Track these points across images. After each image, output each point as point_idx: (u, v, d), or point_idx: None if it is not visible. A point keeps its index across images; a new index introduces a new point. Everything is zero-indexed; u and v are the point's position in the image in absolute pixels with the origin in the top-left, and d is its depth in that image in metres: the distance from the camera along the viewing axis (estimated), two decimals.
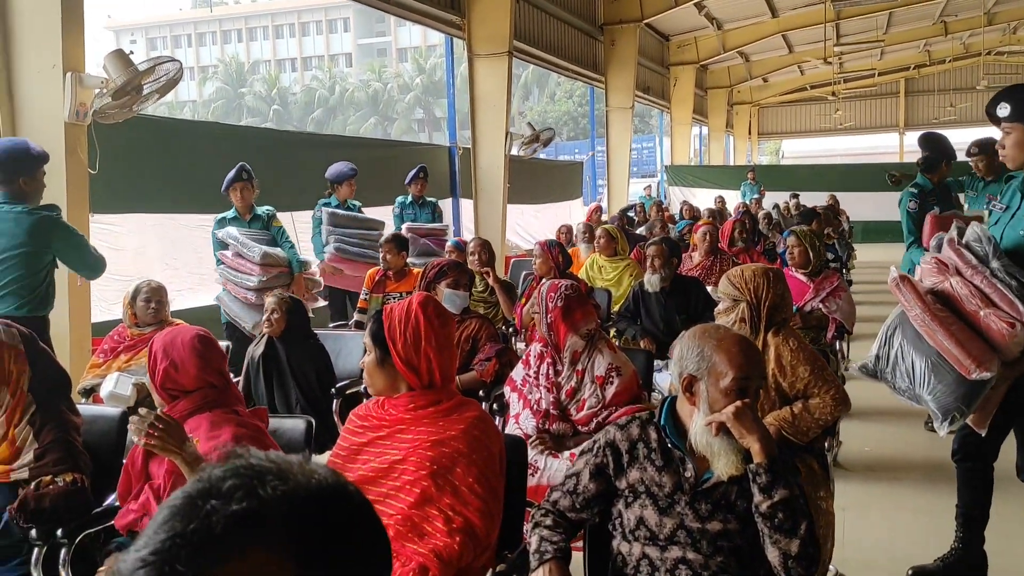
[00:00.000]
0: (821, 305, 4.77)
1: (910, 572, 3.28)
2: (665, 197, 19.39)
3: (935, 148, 5.88)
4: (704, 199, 16.57)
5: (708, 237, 6.28)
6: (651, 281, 5.10)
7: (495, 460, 2.21)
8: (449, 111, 11.32)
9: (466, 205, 10.57)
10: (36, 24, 4.62)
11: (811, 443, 3.04)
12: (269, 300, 4.09)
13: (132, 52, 4.87)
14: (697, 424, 1.96)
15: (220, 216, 5.46)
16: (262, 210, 5.49)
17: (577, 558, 2.19)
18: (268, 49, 65.70)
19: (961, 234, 2.99)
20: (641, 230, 10.23)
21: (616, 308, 5.70)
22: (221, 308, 5.37)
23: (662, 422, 2.04)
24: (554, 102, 54.09)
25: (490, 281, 5.66)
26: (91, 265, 4.19)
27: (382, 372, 2.24)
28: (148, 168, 6.06)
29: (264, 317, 4.06)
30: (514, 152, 10.81)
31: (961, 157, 6.10)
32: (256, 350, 4.00)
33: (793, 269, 4.92)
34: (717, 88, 23.89)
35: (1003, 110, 2.95)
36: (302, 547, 0.68)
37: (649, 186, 20.07)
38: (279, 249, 5.34)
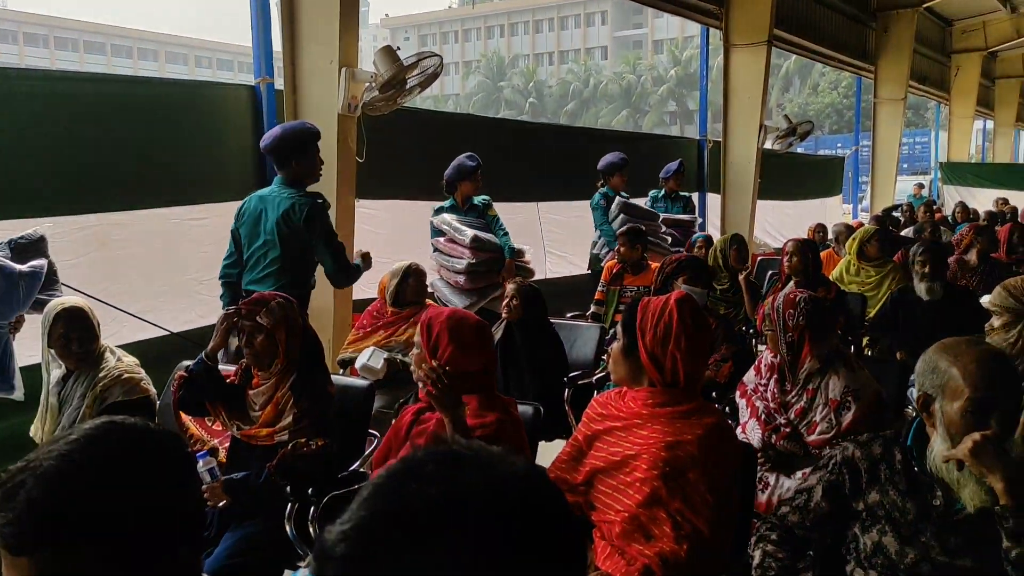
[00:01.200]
0: None
1: None
2: (938, 197, 17.72)
3: None
4: (985, 200, 14.94)
5: (980, 242, 5.65)
6: (921, 289, 4.64)
7: (730, 470, 2.12)
8: (701, 103, 11.04)
9: (713, 200, 10.29)
10: (318, 24, 5.06)
11: None
12: (509, 287, 4.21)
13: (399, 48, 5.18)
14: (934, 450, 1.76)
15: (439, 206, 5.49)
16: (479, 199, 5.46)
17: None
18: (527, 43, 67.94)
19: None
20: (908, 232, 9.43)
21: (871, 315, 5.29)
22: (435, 295, 5.35)
23: (908, 442, 1.85)
24: (816, 93, 51.31)
25: (741, 279, 5.48)
26: (338, 269, 4.11)
27: (626, 361, 2.23)
28: (407, 157, 6.46)
29: (504, 303, 4.19)
30: (768, 146, 10.36)
31: None
32: (495, 335, 4.13)
33: None
34: (1008, 78, 21.40)
35: None
36: (496, 535, 0.68)
37: (921, 184, 18.45)
38: (492, 235, 5.30)
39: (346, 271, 4.19)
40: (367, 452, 2.99)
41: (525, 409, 2.81)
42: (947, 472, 1.74)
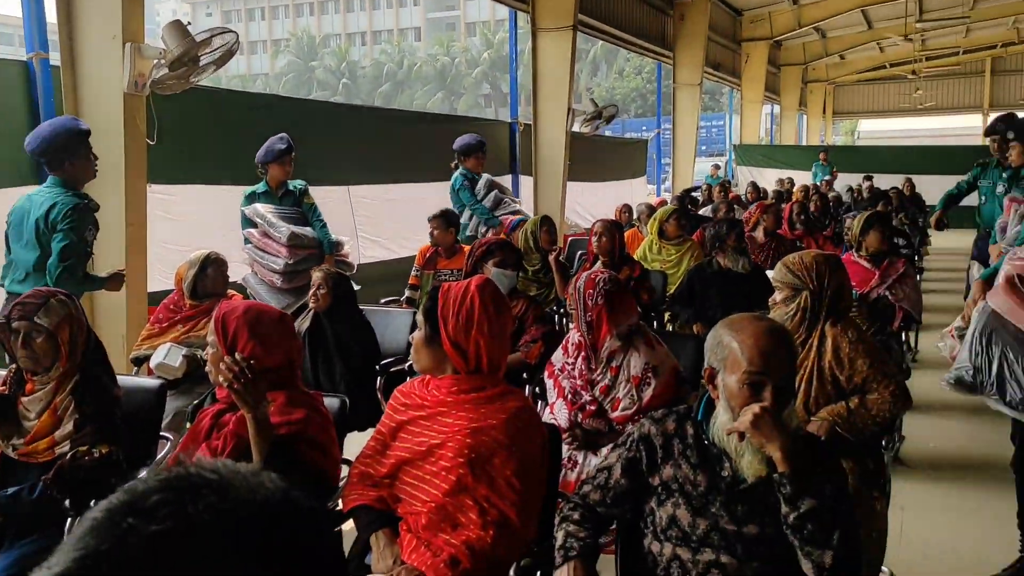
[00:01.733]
0: (888, 293, 4.55)
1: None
2: (733, 177, 18.93)
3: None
4: (773, 180, 16.12)
5: (766, 220, 6.08)
6: (739, 264, 4.93)
7: (536, 453, 2.13)
8: (512, 86, 11.17)
9: (526, 182, 10.46)
10: None
11: (867, 440, 2.89)
12: (316, 275, 4.07)
13: (190, 23, 4.85)
14: (717, 421, 1.85)
15: (249, 190, 5.19)
16: (294, 184, 5.20)
17: (609, 556, 2.11)
18: (339, 23, 66.28)
19: None
20: (706, 210, 9.98)
21: (672, 291, 5.55)
22: (248, 292, 5.10)
23: (699, 417, 1.93)
24: (622, 78, 53.40)
25: (551, 260, 5.55)
26: (59, 263, 3.70)
27: (429, 350, 2.20)
28: (210, 139, 6.11)
29: (311, 292, 4.05)
30: (576, 129, 10.63)
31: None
32: (302, 325, 3.98)
33: (855, 254, 4.70)
34: (791, 65, 23.17)
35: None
36: (237, 570, 0.60)
37: (717, 165, 19.60)
38: (309, 229, 5.07)
39: (70, 272, 3.72)
40: (158, 457, 2.79)
41: (332, 402, 2.71)
42: (729, 443, 1.82)
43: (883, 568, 3.08)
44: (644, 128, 31.41)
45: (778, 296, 2.99)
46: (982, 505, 3.86)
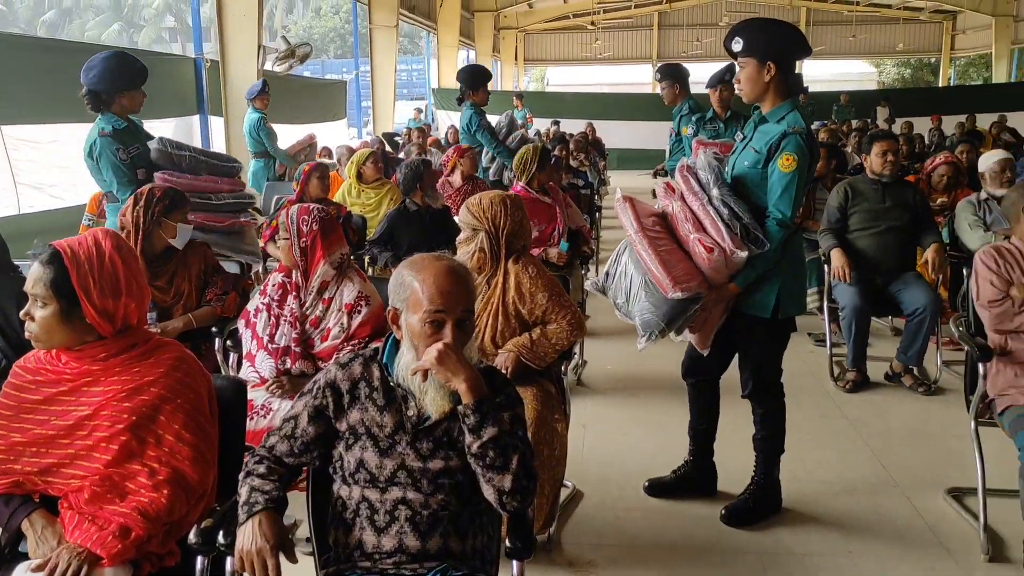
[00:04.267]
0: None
1: (646, 484, 3.47)
2: (434, 121, 19.20)
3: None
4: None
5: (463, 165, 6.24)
6: (434, 198, 5.10)
7: (203, 402, 2.01)
8: (194, 20, 10.36)
9: (216, 123, 9.82)
10: None
11: (548, 367, 3.10)
12: None
13: None
14: (402, 361, 1.88)
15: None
16: None
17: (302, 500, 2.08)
18: None
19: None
20: (403, 153, 10.03)
21: (371, 235, 5.54)
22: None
23: (384, 359, 1.94)
24: (320, 17, 51.72)
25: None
26: None
27: (67, 326, 1.92)
28: None
29: None
30: (269, 68, 10.14)
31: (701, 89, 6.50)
32: None
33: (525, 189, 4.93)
34: (483, 12, 23.82)
35: (736, 44, 3.01)
36: None
37: (419, 109, 19.77)
38: None
39: None
40: None
41: None
42: (413, 382, 1.86)
43: (566, 482, 3.36)
44: (344, 70, 30.76)
45: (462, 236, 3.12)
46: (656, 418, 4.31)
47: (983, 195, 5.00)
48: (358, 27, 17.27)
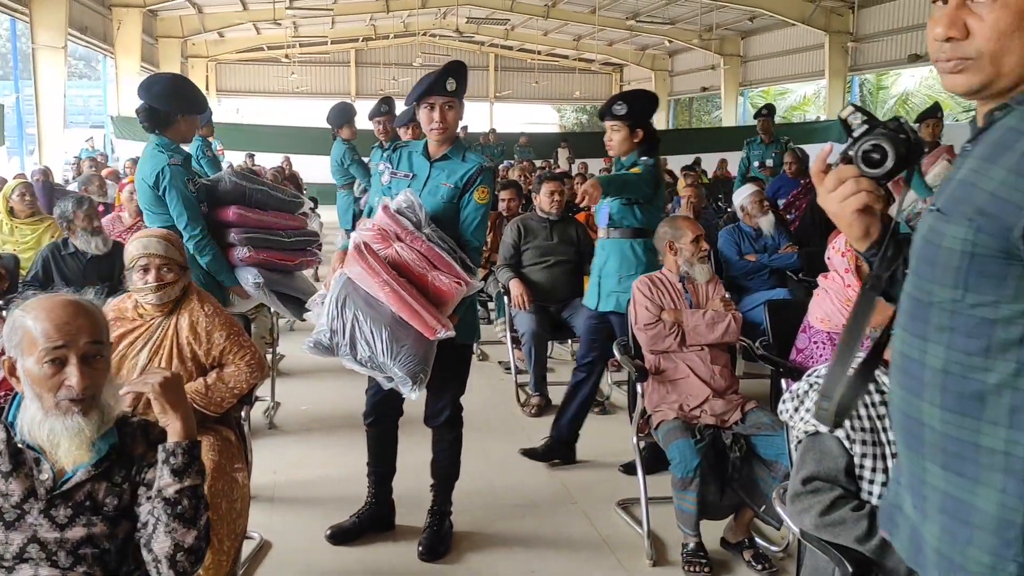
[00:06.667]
0: None
1: (328, 533, 3.36)
2: (112, 150, 17.68)
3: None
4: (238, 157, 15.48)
5: (134, 196, 5.78)
6: (86, 243, 4.57)
7: None
8: None
9: None
10: None
11: (227, 412, 2.92)
12: None
13: None
14: (26, 416, 1.66)
15: None
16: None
17: None
18: None
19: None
20: (73, 185, 9.12)
21: (26, 275, 4.93)
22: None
23: (10, 418, 1.70)
24: None
25: None
26: None
27: None
28: None
29: None
30: None
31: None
32: None
33: None
34: (169, 38, 22.43)
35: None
36: None
37: (91, 138, 18.07)
38: None
39: None
40: None
41: None
42: (41, 436, 1.64)
43: (252, 533, 3.18)
44: (6, 92, 27.51)
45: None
46: (349, 459, 4.21)
47: None
48: (17, 46, 15.49)
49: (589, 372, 4.14)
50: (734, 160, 11.70)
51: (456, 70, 3.13)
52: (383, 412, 3.35)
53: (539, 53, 28.56)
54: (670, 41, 23.71)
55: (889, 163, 1.27)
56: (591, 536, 3.45)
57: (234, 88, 30.07)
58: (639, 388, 3.39)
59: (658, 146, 3.92)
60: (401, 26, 25.02)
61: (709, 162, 15.18)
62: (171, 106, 3.84)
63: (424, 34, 26.22)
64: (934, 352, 1.16)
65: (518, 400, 5.13)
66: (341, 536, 3.34)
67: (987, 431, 1.11)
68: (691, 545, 3.10)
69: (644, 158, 3.84)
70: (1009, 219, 1.05)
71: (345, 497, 3.60)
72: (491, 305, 6.77)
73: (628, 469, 3.99)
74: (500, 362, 5.93)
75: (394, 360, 2.86)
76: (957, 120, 22.12)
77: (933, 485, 1.19)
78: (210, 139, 7.65)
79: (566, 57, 28.89)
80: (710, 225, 6.50)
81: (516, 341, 5.25)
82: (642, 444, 3.41)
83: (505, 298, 5.13)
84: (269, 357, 4.72)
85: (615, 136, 3.84)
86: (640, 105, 3.87)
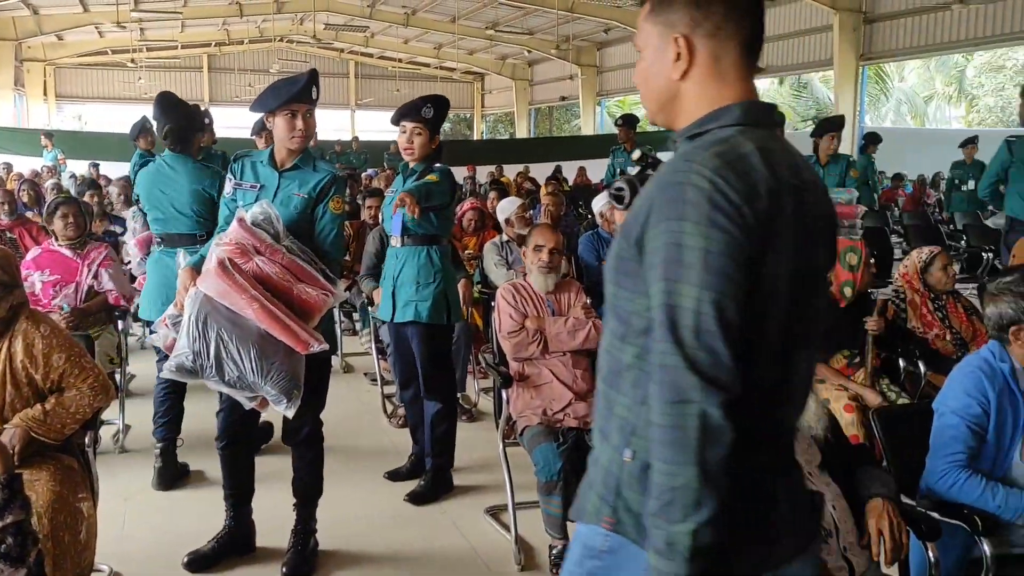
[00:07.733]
0: (93, 281, 4.35)
1: (186, 559, 3.21)
2: None
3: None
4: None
5: None
6: None
7: None
8: None
9: None
10: None
11: (69, 439, 2.75)
12: None
13: None
14: None
15: None
16: None
17: None
18: None
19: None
20: None
21: None
22: None
23: None
24: None
25: None
26: None
27: None
28: None
29: None
30: None
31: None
32: None
33: (52, 242, 4.42)
34: (2, 40, 20.99)
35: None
36: None
37: None
38: None
39: None
40: None
41: None
42: None
43: (101, 566, 3.00)
44: None
45: None
46: (203, 481, 4.04)
47: (505, 237, 5.60)
48: None
49: (444, 402, 3.96)
50: (593, 168, 12.02)
51: (316, 78, 3.12)
52: (235, 435, 3.24)
53: (400, 61, 28.42)
54: (529, 51, 24.16)
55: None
56: (460, 545, 3.44)
57: (76, 94, 28.43)
58: (504, 395, 3.42)
59: (442, 154, 3.89)
60: (256, 31, 24.36)
61: (570, 170, 15.51)
62: (192, 124, 4.17)
63: (281, 40, 25.62)
64: (605, 335, 1.43)
65: (384, 411, 5.07)
66: (200, 562, 3.19)
67: (619, 400, 1.34)
68: (559, 548, 3.14)
69: (438, 164, 3.82)
70: (635, 230, 1.29)
71: (202, 521, 3.44)
72: (356, 316, 6.67)
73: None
74: (366, 373, 5.84)
75: (265, 378, 2.77)
76: (797, 130, 23.55)
77: (597, 447, 1.41)
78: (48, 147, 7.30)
79: (427, 65, 28.87)
80: (571, 232, 6.64)
81: (382, 352, 5.18)
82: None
83: (370, 308, 5.05)
84: (118, 377, 4.47)
85: (417, 140, 3.70)
86: (443, 111, 3.80)
